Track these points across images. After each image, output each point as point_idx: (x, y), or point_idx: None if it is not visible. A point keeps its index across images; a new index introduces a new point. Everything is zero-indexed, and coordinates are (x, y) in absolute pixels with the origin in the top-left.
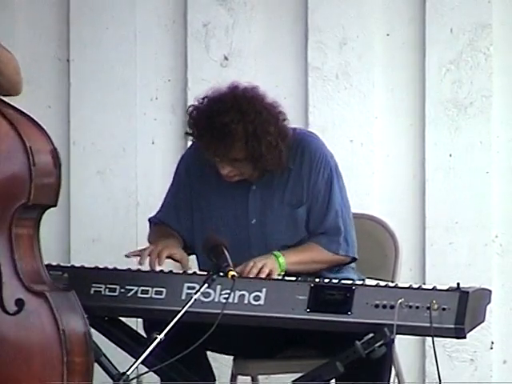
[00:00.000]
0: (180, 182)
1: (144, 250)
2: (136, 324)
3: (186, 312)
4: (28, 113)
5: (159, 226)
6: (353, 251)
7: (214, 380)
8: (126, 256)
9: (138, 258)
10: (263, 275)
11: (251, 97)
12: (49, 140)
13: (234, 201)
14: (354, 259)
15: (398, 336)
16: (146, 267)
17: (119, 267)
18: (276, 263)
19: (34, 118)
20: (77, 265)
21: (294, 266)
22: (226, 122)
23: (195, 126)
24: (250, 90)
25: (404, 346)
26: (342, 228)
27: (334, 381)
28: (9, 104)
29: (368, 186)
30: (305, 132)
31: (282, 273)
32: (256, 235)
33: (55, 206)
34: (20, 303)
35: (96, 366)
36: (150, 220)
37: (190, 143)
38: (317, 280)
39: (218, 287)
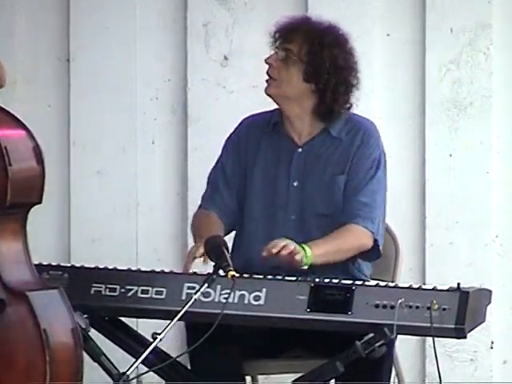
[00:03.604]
0: (228, 155)
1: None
2: (136, 324)
3: (186, 312)
4: (7, 109)
5: (203, 213)
6: (381, 241)
7: None
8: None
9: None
10: (286, 251)
11: (348, 46)
12: (31, 137)
13: (278, 161)
14: (378, 253)
15: (397, 336)
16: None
17: (119, 267)
18: (303, 252)
19: (14, 114)
20: (77, 265)
21: (320, 258)
22: (303, 21)
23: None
24: (347, 41)
25: (404, 346)
26: (377, 208)
27: (333, 381)
28: None
29: None
30: (367, 118)
31: (306, 266)
32: (294, 198)
33: (40, 203)
34: (1, 303)
35: (96, 365)
36: (202, 197)
37: (190, 143)
38: (317, 280)
39: (218, 287)
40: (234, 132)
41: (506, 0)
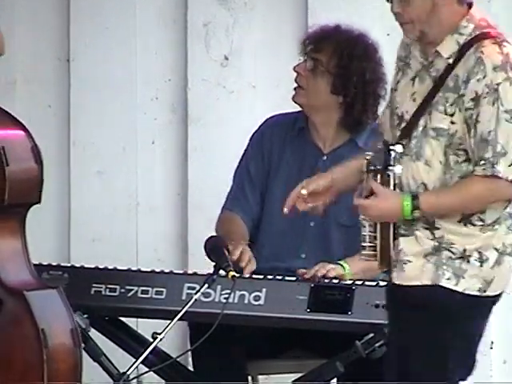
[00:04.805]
0: (252, 154)
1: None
2: (136, 324)
3: (186, 312)
4: (5, 109)
5: (228, 216)
6: None
7: None
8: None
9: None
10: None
11: (377, 56)
12: (29, 137)
13: (301, 167)
14: None
15: None
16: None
17: (119, 267)
18: (339, 269)
19: (12, 114)
20: (77, 265)
21: (358, 276)
22: (334, 29)
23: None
24: (376, 51)
25: None
26: None
27: (334, 380)
28: None
29: None
30: None
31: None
32: None
33: (39, 202)
34: None
35: (96, 365)
36: (227, 196)
37: (190, 143)
38: (317, 280)
39: (219, 287)
40: (257, 131)
41: (506, 0)
